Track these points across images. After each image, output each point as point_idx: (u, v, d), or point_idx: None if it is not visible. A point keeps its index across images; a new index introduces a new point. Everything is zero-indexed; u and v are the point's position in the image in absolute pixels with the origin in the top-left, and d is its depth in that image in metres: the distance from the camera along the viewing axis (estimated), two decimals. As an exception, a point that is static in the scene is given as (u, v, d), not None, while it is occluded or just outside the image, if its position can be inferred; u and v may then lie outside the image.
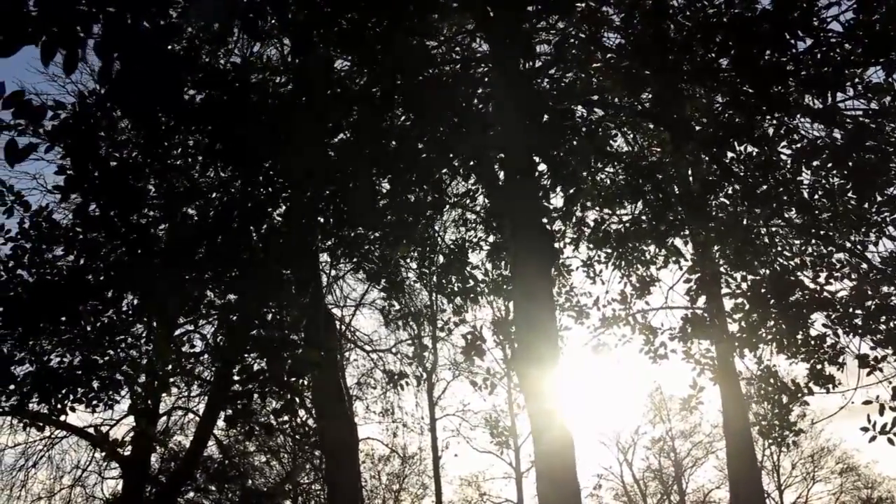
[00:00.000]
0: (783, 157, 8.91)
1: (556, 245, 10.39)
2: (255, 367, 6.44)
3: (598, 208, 10.64)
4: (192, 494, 20.24)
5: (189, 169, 7.10)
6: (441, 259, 10.83)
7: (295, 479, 23.83)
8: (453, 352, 22.52)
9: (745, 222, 9.39)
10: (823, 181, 8.97)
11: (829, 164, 8.31)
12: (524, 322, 7.61)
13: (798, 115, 8.66)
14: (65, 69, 3.22)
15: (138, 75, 3.63)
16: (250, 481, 21.70)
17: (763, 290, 9.36)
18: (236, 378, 7.01)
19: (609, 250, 10.73)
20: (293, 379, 6.42)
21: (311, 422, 18.24)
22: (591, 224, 10.68)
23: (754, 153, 8.84)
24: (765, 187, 8.78)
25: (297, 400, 7.10)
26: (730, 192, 9.46)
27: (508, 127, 7.87)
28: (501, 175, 8.50)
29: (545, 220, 8.53)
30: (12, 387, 7.59)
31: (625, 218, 10.55)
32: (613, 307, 11.35)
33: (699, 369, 10.62)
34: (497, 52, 8.25)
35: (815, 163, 8.49)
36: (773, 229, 9.97)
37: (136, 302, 7.87)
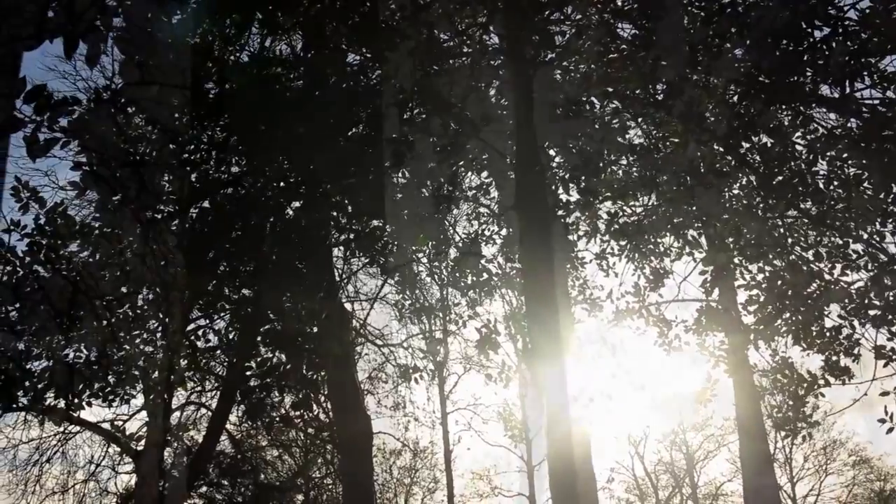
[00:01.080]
0: (798, 147, 8.85)
1: (570, 238, 10.34)
2: (274, 361, 6.43)
3: (611, 201, 10.57)
4: (204, 489, 20.27)
5: (204, 163, 7.10)
6: (453, 253, 10.79)
7: (307, 473, 23.88)
8: (464, 346, 22.45)
9: (760, 213, 9.32)
10: (839, 171, 8.89)
11: (846, 154, 8.24)
12: (536, 319, 7.58)
13: (813, 105, 8.60)
14: (87, 62, 3.23)
15: (158, 69, 3.63)
16: (263, 476, 21.75)
17: (779, 282, 9.29)
18: (250, 373, 7.01)
19: (623, 242, 10.67)
20: (310, 373, 6.42)
21: (322, 416, 18.26)
22: (606, 217, 10.61)
23: (769, 143, 8.77)
24: (780, 178, 8.71)
25: (313, 394, 7.11)
26: (744, 182, 9.40)
27: (521, 119, 7.83)
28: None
29: (561, 213, 8.48)
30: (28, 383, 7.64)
31: (638, 210, 10.49)
32: (627, 300, 11.29)
33: (713, 361, 10.57)
34: (510, 44, 8.20)
35: (830, 153, 8.42)
36: (789, 220, 9.88)
37: (151, 297, 7.89)
